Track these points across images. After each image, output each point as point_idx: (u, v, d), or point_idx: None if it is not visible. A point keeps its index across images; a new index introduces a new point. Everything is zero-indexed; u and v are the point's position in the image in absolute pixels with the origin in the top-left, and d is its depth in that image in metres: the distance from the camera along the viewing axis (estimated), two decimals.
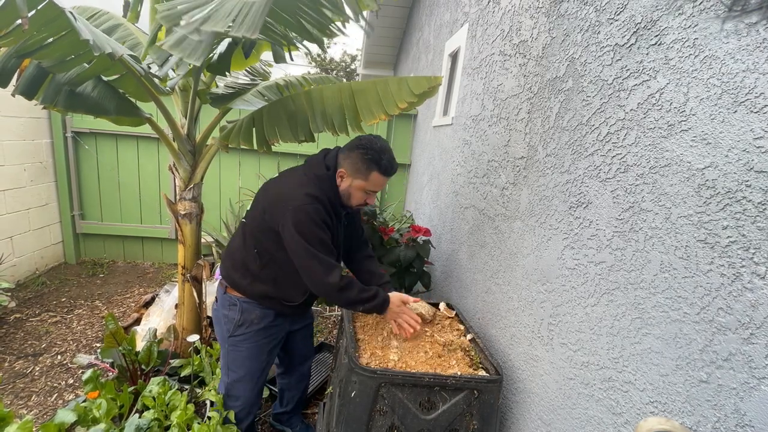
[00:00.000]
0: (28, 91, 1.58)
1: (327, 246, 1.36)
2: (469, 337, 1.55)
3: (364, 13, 1.29)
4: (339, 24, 1.44)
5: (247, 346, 1.50)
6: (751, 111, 0.70)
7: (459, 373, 1.29)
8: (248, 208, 1.50)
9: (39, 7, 1.15)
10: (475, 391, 1.27)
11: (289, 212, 1.32)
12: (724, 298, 0.73)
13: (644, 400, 0.89)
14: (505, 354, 1.53)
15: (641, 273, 0.92)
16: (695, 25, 0.82)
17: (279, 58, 1.62)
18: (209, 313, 2.33)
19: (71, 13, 1.21)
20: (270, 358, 1.60)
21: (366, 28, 1.44)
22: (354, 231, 1.68)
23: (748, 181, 0.70)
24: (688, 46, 0.83)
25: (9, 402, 2.09)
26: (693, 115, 0.81)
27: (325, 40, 1.60)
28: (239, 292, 1.49)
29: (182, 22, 1.18)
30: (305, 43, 1.56)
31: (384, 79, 1.83)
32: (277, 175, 1.53)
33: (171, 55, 1.72)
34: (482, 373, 1.34)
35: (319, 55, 14.10)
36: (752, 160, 0.69)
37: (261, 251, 1.44)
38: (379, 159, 1.38)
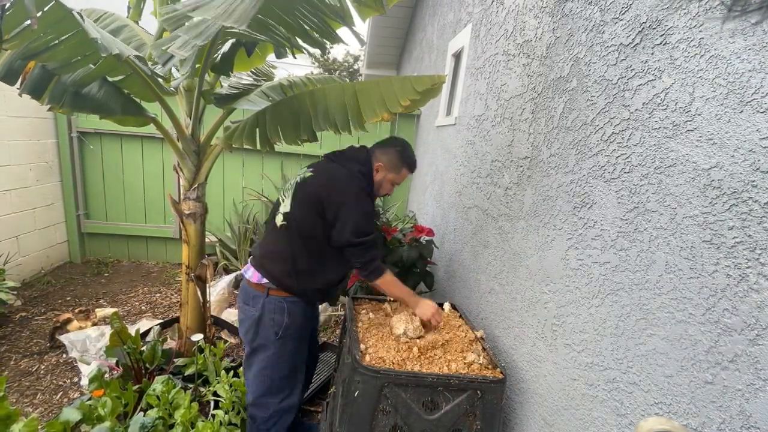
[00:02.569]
0: (35, 91, 1.59)
1: (371, 231, 1.51)
2: (474, 336, 1.55)
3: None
4: (339, 32, 1.48)
5: (293, 343, 1.58)
6: (758, 111, 0.70)
7: (462, 374, 1.29)
8: (286, 210, 1.53)
9: (46, 9, 1.16)
10: (479, 392, 1.27)
11: (348, 204, 1.46)
12: (729, 299, 0.73)
13: (649, 401, 0.89)
14: (509, 354, 1.52)
15: (646, 274, 0.92)
16: (701, 25, 0.81)
17: (281, 55, 1.64)
18: (213, 313, 2.34)
19: (78, 14, 1.22)
20: (306, 349, 1.69)
21: (360, 38, 1.49)
22: None
23: (754, 181, 0.70)
24: (694, 45, 0.83)
25: (14, 400, 2.11)
26: (698, 115, 0.81)
27: (327, 44, 1.62)
28: (285, 291, 1.53)
29: (178, 6, 1.21)
30: (307, 46, 1.58)
31: (387, 78, 1.83)
32: (310, 174, 1.56)
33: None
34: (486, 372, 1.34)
35: (322, 56, 14.13)
36: (758, 160, 0.69)
37: (312, 248, 1.52)
38: (411, 157, 1.66)
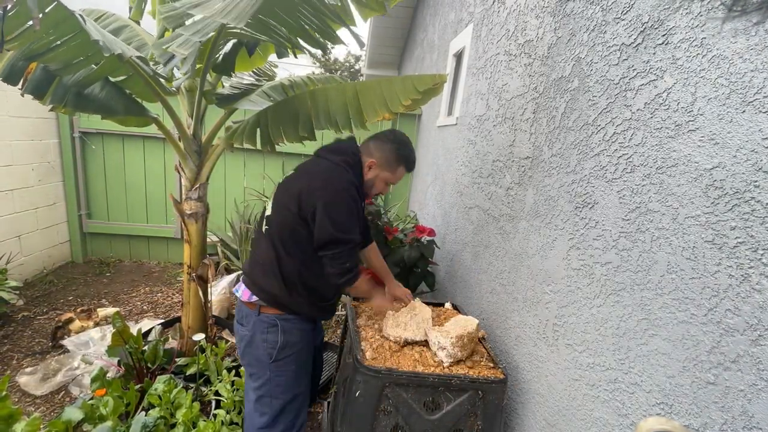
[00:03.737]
0: (37, 91, 1.60)
1: (354, 231, 1.34)
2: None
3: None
4: (340, 32, 1.48)
5: (293, 368, 1.42)
6: (760, 111, 0.69)
7: (463, 374, 1.29)
8: (268, 215, 1.42)
9: (48, 10, 1.16)
10: (480, 392, 1.27)
11: (328, 195, 1.29)
12: (732, 299, 0.73)
13: (651, 402, 0.89)
14: (510, 355, 1.52)
15: (648, 274, 0.92)
16: (702, 25, 0.81)
17: (282, 54, 1.65)
18: (215, 312, 2.35)
19: (80, 15, 1.23)
20: (309, 373, 1.54)
21: (360, 40, 1.48)
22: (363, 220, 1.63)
23: (756, 181, 0.69)
24: (696, 45, 0.83)
25: (17, 399, 2.12)
26: (701, 115, 0.81)
27: (328, 44, 1.62)
28: (277, 309, 1.39)
29: (177, 5, 1.21)
30: (309, 46, 1.59)
31: (388, 78, 1.83)
32: (291, 173, 1.46)
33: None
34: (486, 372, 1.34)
35: (323, 56, 14.15)
36: (761, 160, 0.69)
37: (296, 253, 1.36)
38: (408, 156, 1.48)
